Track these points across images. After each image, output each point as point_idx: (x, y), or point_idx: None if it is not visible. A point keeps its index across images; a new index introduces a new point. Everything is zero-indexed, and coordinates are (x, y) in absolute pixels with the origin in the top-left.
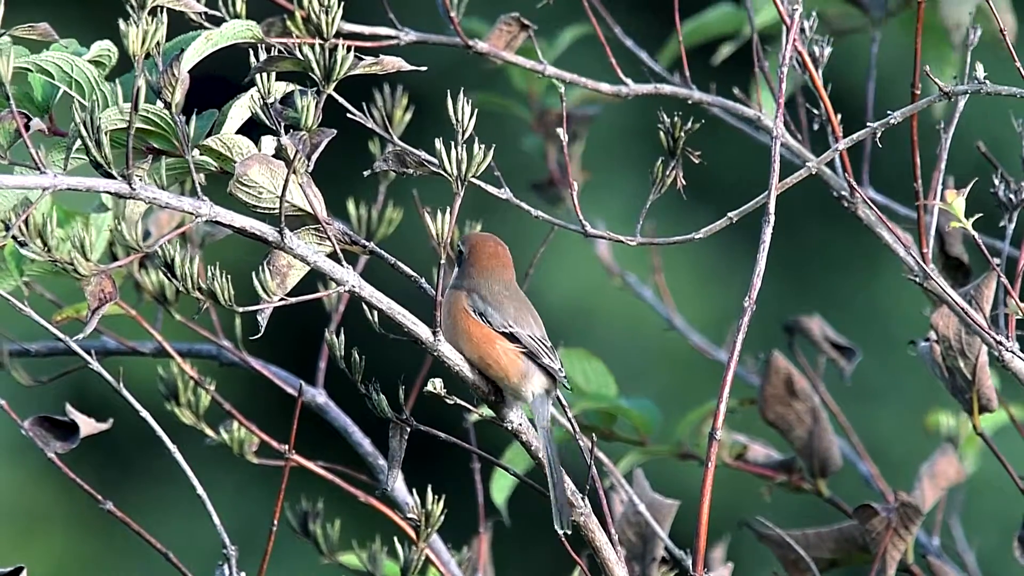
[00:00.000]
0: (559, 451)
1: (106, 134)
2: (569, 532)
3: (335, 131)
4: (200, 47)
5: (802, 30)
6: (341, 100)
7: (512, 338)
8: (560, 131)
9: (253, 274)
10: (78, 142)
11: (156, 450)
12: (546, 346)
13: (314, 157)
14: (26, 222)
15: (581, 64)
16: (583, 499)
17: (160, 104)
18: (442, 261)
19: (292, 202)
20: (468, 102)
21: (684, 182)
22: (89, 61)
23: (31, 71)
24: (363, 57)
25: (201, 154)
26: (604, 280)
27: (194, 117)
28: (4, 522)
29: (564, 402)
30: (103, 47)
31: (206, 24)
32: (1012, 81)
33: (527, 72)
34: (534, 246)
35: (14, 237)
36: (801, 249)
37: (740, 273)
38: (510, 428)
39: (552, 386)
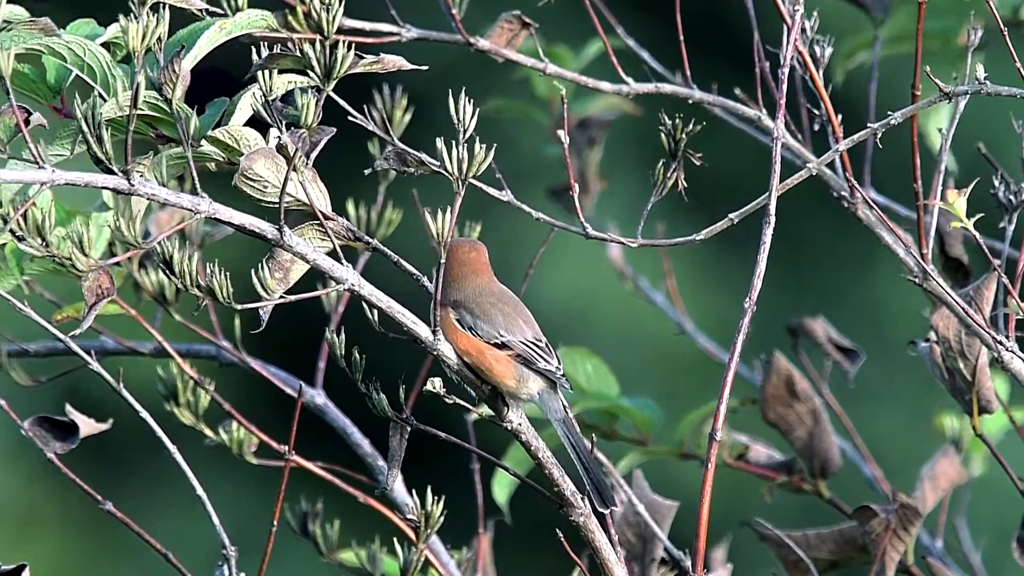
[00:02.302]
0: (559, 451)
1: (107, 127)
2: (616, 508)
3: (335, 129)
4: (214, 36)
5: (803, 30)
6: (341, 102)
7: (505, 346)
8: (561, 132)
9: (253, 272)
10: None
11: (155, 450)
12: (540, 347)
13: (314, 155)
14: (24, 217)
15: (591, 65)
16: (583, 500)
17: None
18: (442, 260)
19: (296, 196)
20: (469, 102)
21: (685, 184)
22: (104, 44)
23: (44, 53)
24: (364, 56)
25: (209, 144)
26: (602, 281)
27: (196, 111)
28: (1, 523)
29: (564, 403)
30: (119, 29)
31: (217, 11)
32: (1012, 81)
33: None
34: (536, 246)
35: (12, 232)
36: (802, 251)
37: (741, 274)
38: (509, 428)
39: (553, 384)
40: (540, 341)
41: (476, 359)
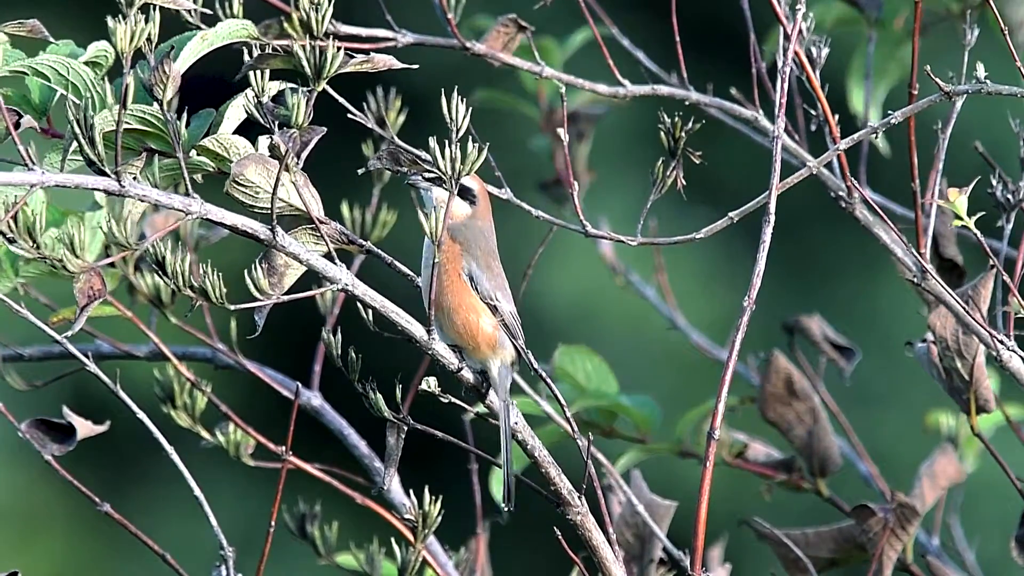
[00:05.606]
0: (555, 449)
1: (100, 134)
2: (512, 509)
3: (325, 129)
4: (196, 47)
5: (800, 32)
6: (338, 97)
7: (494, 311)
8: (561, 131)
9: (246, 272)
10: (75, 143)
11: (156, 450)
12: (517, 322)
13: (304, 155)
14: (15, 219)
15: (585, 63)
16: (580, 498)
17: (156, 104)
18: (436, 260)
19: (288, 201)
20: (463, 101)
21: (684, 182)
22: (86, 62)
23: (27, 74)
24: (353, 55)
25: (198, 155)
26: (607, 281)
27: (186, 117)
28: (5, 524)
29: (562, 400)
30: (100, 48)
31: (200, 25)
32: (1013, 80)
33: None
34: (536, 245)
35: (2, 233)
36: (803, 252)
37: (743, 274)
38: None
39: (516, 360)
40: (515, 315)
41: (468, 315)
